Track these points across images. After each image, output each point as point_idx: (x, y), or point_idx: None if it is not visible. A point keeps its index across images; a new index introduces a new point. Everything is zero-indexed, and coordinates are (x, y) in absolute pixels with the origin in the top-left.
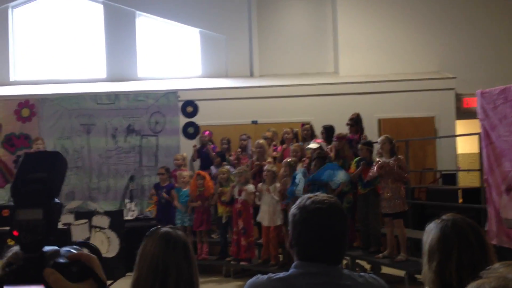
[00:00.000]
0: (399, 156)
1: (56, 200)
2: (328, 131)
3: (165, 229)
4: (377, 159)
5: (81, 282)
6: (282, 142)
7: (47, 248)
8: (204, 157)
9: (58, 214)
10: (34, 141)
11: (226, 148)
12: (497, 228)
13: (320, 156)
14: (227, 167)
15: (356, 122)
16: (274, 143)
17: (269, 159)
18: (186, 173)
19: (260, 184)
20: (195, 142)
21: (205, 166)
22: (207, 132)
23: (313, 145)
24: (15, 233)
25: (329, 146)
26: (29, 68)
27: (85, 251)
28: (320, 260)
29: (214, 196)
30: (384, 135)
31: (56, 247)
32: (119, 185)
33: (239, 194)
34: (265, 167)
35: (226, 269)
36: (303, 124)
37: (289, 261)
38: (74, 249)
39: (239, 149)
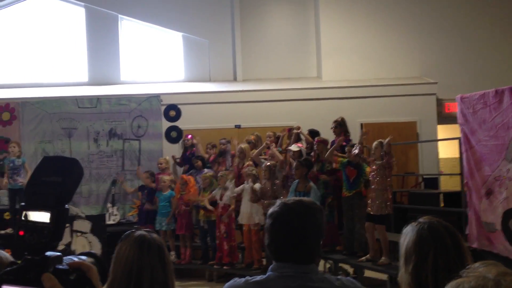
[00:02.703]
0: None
1: (66, 206)
2: (313, 135)
3: (139, 232)
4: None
5: None
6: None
7: (50, 253)
8: (189, 161)
9: (65, 220)
10: (9, 145)
11: (212, 153)
12: (477, 232)
13: (302, 160)
14: (210, 172)
15: (340, 125)
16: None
17: (250, 163)
18: (167, 177)
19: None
20: (178, 146)
21: (190, 170)
22: (190, 136)
23: (293, 147)
24: (21, 233)
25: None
26: (10, 72)
27: (89, 261)
28: (291, 260)
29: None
30: (378, 139)
31: (59, 253)
32: (101, 190)
33: (221, 199)
34: (245, 169)
35: (209, 274)
36: (289, 129)
37: None
38: (78, 259)
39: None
